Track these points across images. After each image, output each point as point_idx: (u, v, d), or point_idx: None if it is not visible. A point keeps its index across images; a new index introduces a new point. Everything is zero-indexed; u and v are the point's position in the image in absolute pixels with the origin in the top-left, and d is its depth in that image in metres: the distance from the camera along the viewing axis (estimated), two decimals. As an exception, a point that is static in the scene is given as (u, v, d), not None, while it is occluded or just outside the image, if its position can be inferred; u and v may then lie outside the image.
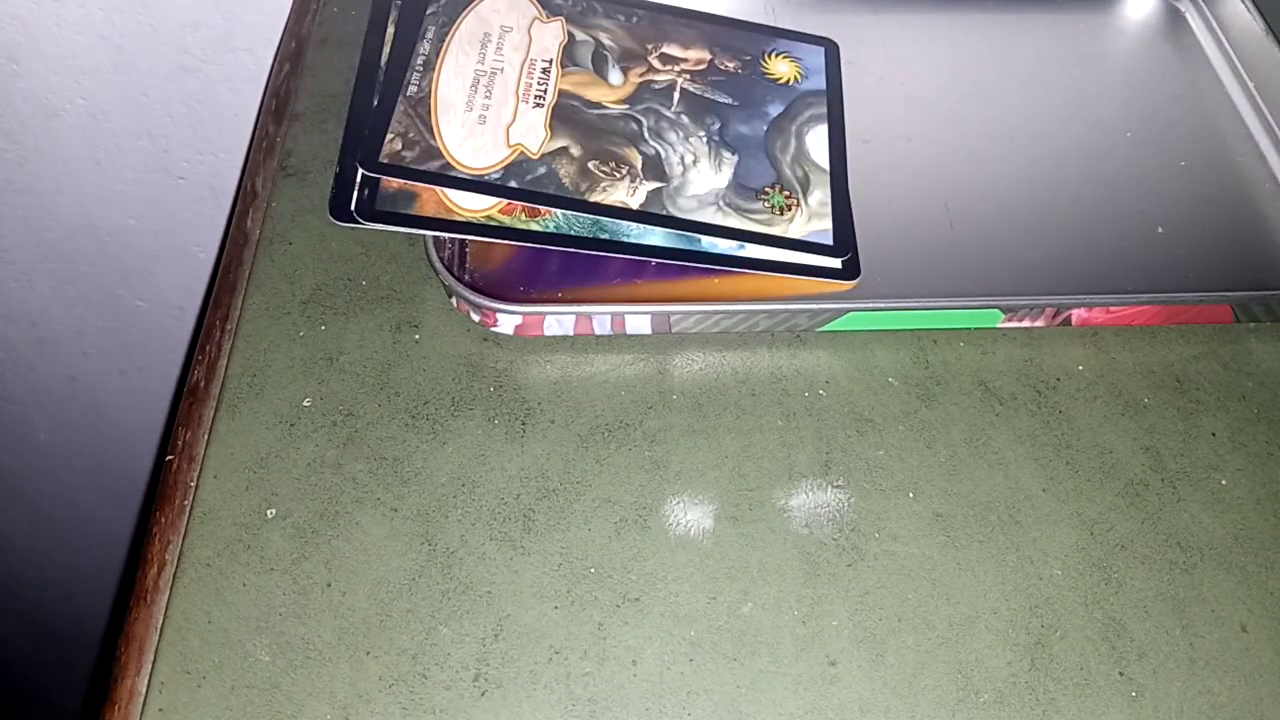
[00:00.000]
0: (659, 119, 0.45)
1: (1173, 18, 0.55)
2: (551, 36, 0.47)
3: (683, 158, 0.44)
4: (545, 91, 0.45)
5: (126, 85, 0.59)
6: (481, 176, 0.42)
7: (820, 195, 0.44)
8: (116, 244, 0.76)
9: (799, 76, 0.49)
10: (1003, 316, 0.43)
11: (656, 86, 0.47)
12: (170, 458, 0.39)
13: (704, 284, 0.43)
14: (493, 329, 0.42)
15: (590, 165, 0.43)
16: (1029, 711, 0.35)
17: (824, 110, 0.48)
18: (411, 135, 0.43)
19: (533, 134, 0.44)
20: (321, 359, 0.42)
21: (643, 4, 0.50)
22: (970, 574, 0.38)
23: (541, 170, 0.42)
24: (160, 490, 0.39)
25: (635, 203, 0.42)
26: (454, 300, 0.42)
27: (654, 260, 0.42)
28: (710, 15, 0.50)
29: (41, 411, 1.01)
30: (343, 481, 0.39)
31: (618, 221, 0.42)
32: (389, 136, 0.42)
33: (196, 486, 0.38)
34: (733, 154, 0.45)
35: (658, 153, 0.44)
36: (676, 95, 0.46)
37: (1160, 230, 0.46)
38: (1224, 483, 0.40)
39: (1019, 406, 0.42)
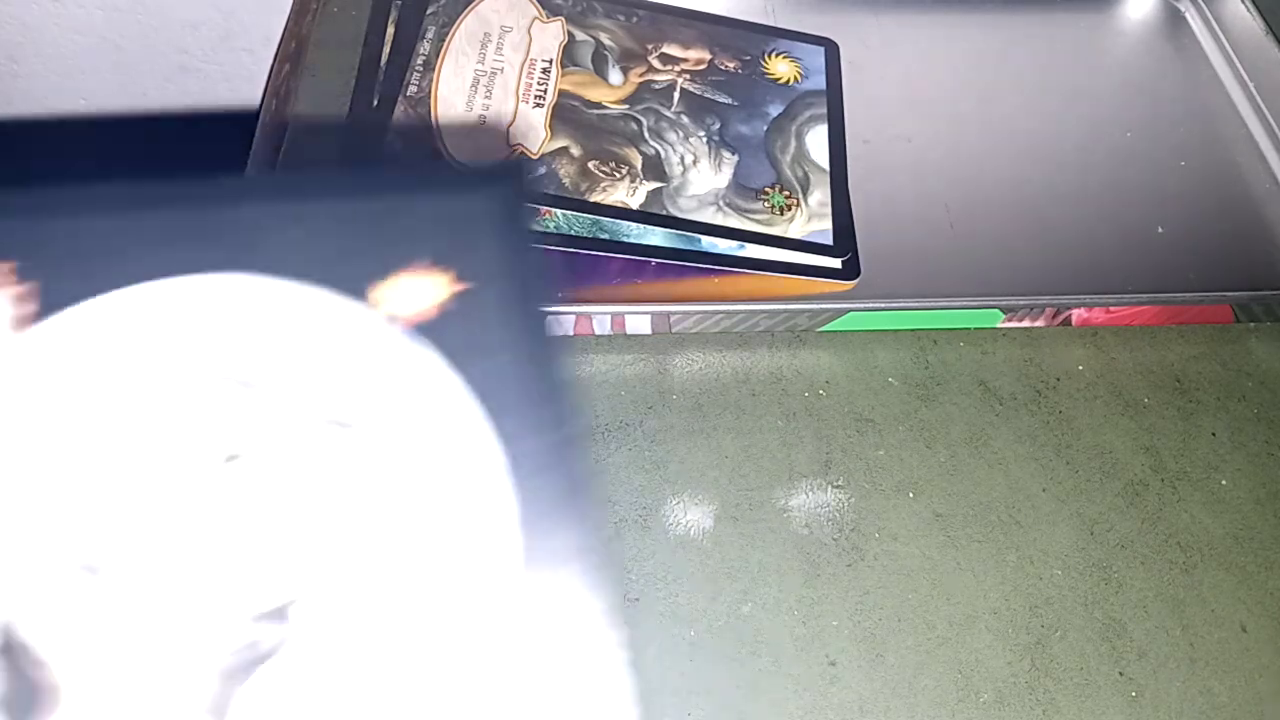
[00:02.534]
0: (659, 119, 0.45)
1: (1173, 18, 0.55)
2: (551, 36, 0.47)
3: (683, 158, 0.44)
4: (545, 91, 0.45)
5: (127, 85, 0.59)
6: (481, 176, 0.42)
7: (820, 195, 0.44)
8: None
9: (799, 76, 0.49)
10: (1003, 316, 0.43)
11: (656, 86, 0.47)
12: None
13: (704, 284, 0.43)
14: (493, 329, 0.42)
15: (590, 165, 0.43)
16: (1029, 711, 0.35)
17: (824, 110, 0.48)
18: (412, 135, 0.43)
19: (533, 134, 0.44)
20: (321, 359, 0.42)
21: (643, 4, 0.50)
22: (970, 574, 0.38)
23: (541, 170, 0.42)
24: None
25: (635, 203, 0.42)
26: (454, 300, 0.42)
27: (654, 260, 0.42)
28: (710, 15, 0.50)
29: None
30: (343, 481, 0.39)
31: (618, 221, 0.42)
32: (389, 136, 0.42)
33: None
34: (733, 154, 0.45)
35: (658, 153, 0.44)
36: (676, 95, 0.46)
37: (1160, 230, 0.46)
38: (1224, 483, 0.40)
39: (1019, 406, 0.42)
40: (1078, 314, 0.43)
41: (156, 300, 0.21)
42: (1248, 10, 0.53)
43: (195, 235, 0.21)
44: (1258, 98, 0.51)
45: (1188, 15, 0.55)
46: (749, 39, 0.50)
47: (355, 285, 0.21)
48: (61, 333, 0.20)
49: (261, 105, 0.50)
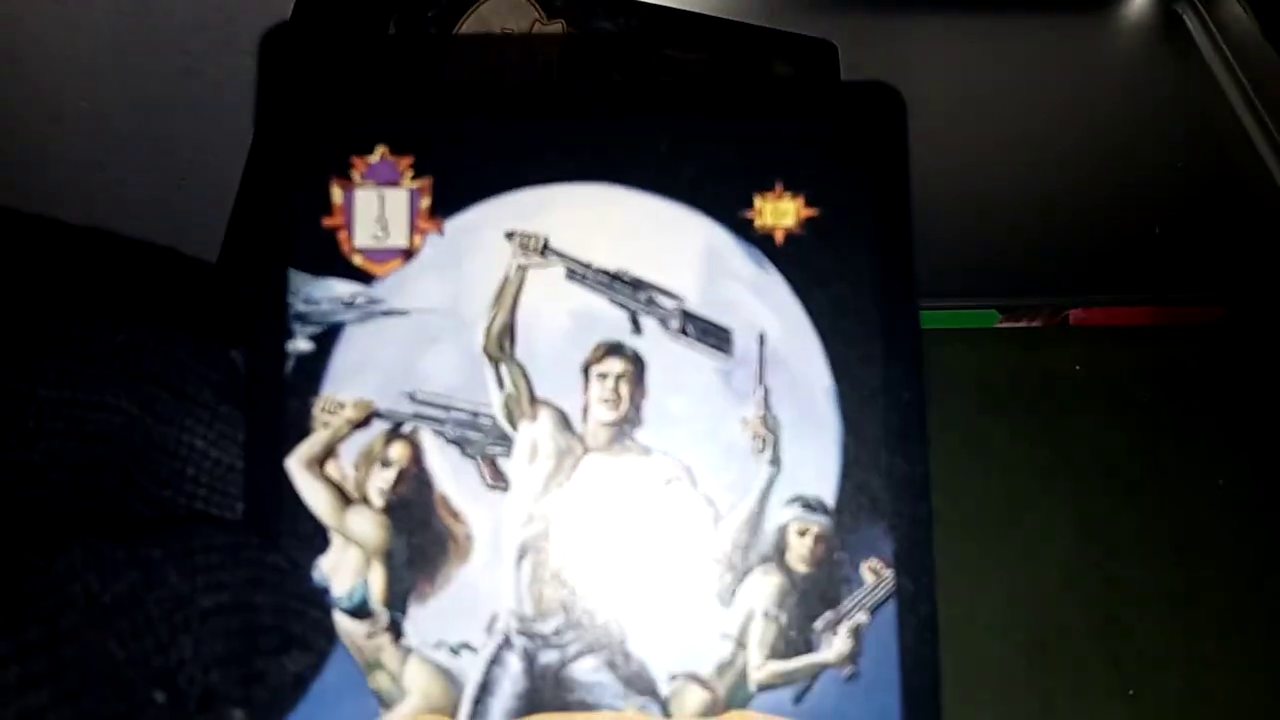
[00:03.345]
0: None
1: (1170, 20, 0.55)
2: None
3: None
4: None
5: (129, 87, 0.59)
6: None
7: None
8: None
9: (798, 77, 0.49)
10: (1000, 317, 0.43)
11: (656, 88, 0.47)
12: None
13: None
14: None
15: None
16: (1029, 711, 0.35)
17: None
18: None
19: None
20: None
21: (642, 5, 0.50)
22: (970, 574, 0.38)
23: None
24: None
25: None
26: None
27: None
28: (708, 17, 0.50)
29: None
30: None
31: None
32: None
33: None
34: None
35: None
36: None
37: (1157, 231, 0.46)
38: (1223, 483, 0.40)
39: (1018, 406, 0.42)
40: (1075, 314, 0.43)
41: (540, 206, 0.22)
42: (1245, 12, 0.53)
43: (572, 144, 0.22)
44: (1255, 99, 0.51)
45: (1185, 17, 0.55)
46: (748, 41, 0.50)
47: (713, 204, 0.22)
48: (462, 232, 0.22)
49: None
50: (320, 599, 0.20)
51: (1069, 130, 0.50)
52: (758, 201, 0.22)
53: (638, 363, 0.22)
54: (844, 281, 0.22)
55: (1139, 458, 0.41)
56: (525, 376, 0.21)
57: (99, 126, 0.63)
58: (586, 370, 0.21)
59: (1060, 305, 0.43)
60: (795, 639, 0.21)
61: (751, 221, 0.22)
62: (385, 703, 0.21)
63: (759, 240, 0.22)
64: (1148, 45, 0.54)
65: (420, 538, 0.21)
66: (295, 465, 0.21)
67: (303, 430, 0.21)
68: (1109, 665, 0.36)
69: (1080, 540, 0.39)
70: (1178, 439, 0.41)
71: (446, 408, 0.21)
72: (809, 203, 0.22)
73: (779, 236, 0.22)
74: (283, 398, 0.21)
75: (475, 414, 0.21)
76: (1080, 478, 0.40)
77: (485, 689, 0.21)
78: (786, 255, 0.22)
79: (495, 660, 0.21)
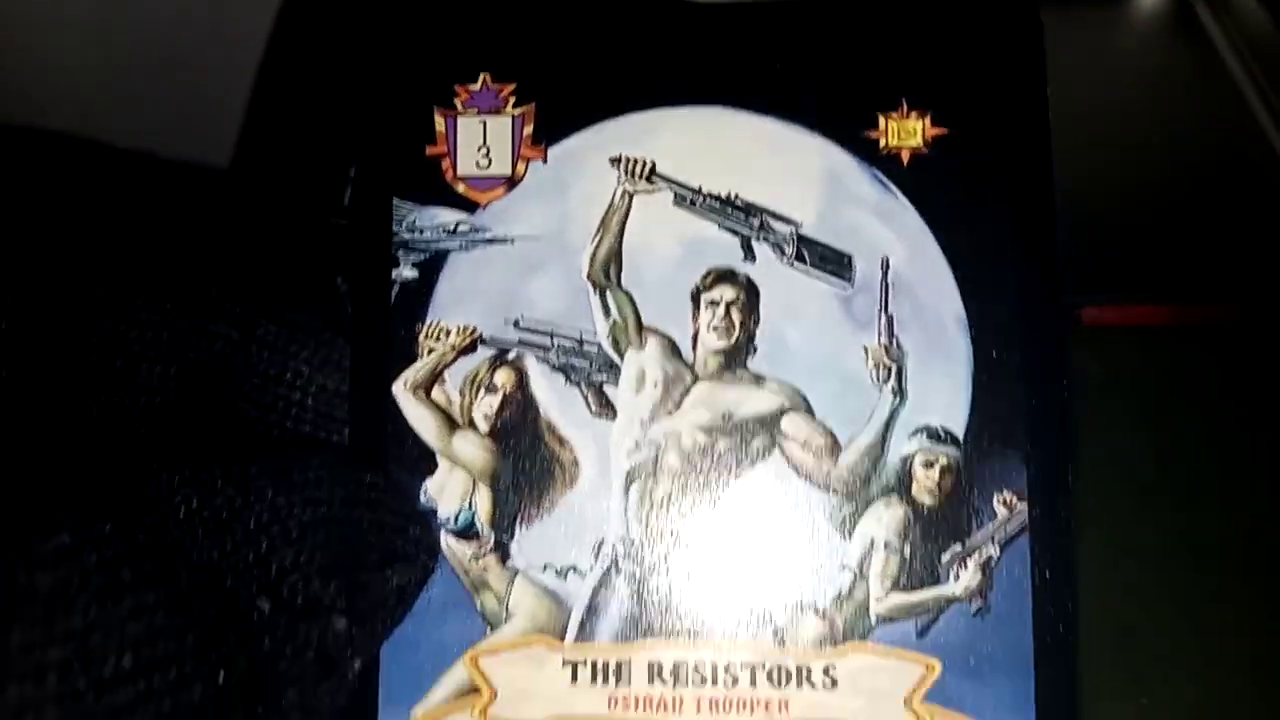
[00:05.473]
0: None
1: (1184, 13, 0.54)
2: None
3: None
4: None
5: (114, 79, 0.58)
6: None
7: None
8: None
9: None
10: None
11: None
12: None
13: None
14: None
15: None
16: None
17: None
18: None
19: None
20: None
21: None
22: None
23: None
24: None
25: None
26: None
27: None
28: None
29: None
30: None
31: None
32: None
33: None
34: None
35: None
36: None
37: (1169, 229, 0.46)
38: (1233, 485, 0.40)
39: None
40: (1087, 314, 0.43)
41: (647, 131, 0.21)
42: (1259, 4, 0.52)
43: (680, 65, 0.22)
44: (1270, 95, 0.50)
45: (1198, 8, 0.54)
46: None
47: (832, 124, 0.21)
48: (566, 159, 0.22)
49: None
50: (421, 515, 0.20)
51: (1080, 125, 0.50)
52: (881, 121, 0.21)
53: (750, 289, 0.21)
54: (976, 204, 0.21)
55: (1148, 459, 0.41)
56: (632, 303, 0.21)
57: (86, 123, 0.61)
58: (696, 297, 0.21)
59: (1070, 305, 0.42)
60: (920, 572, 0.21)
61: (875, 142, 0.21)
62: (491, 623, 0.21)
63: (883, 162, 0.21)
64: (1160, 39, 0.54)
65: (526, 462, 0.21)
66: (401, 390, 0.21)
67: (408, 356, 0.21)
68: (1116, 669, 0.36)
69: (1089, 543, 0.38)
70: (1192, 440, 0.41)
71: (551, 335, 0.21)
72: (936, 121, 0.21)
73: (905, 157, 0.21)
74: (388, 324, 0.21)
75: (580, 341, 0.21)
76: (1089, 480, 0.40)
77: (592, 612, 0.21)
78: (913, 177, 0.21)
79: (602, 584, 0.21)
